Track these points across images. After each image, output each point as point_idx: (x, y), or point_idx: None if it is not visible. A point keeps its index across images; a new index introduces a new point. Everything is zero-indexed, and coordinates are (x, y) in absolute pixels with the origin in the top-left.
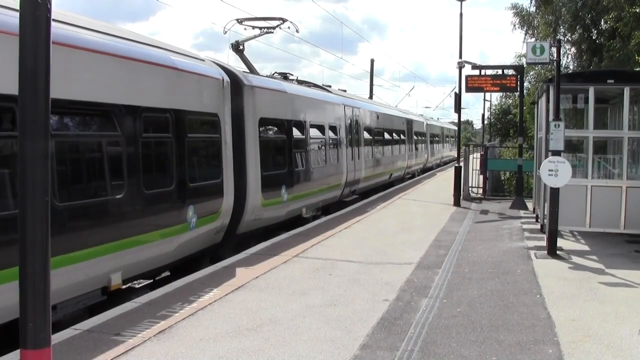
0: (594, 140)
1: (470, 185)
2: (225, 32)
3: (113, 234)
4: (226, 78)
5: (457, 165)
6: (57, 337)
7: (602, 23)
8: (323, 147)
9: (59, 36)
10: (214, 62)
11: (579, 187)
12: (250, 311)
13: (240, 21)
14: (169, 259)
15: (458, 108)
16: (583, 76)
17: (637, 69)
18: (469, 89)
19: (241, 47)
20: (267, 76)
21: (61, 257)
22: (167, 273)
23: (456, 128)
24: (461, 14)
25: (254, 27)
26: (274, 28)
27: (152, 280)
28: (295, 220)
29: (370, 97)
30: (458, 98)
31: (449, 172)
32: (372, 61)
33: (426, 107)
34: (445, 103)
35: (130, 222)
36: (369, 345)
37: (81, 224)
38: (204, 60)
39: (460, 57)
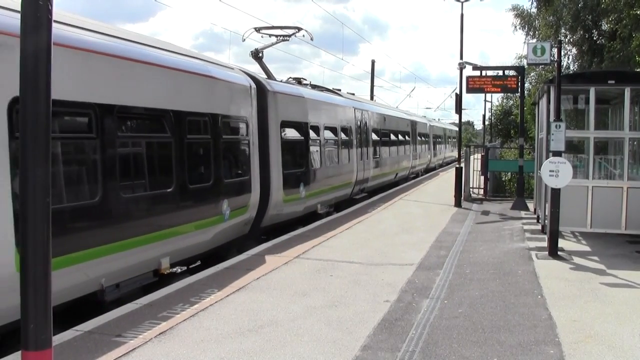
0: (594, 140)
1: (471, 186)
2: (244, 39)
3: (164, 222)
4: (253, 85)
5: (458, 166)
6: (58, 339)
7: (602, 24)
8: (336, 147)
9: (122, 51)
10: (241, 69)
11: (580, 188)
12: (251, 312)
13: (258, 30)
14: (206, 246)
15: (459, 109)
16: (584, 77)
17: (637, 70)
18: (470, 90)
19: (260, 55)
20: (282, 81)
21: (125, 242)
22: (199, 262)
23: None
24: (462, 15)
25: (270, 35)
26: (289, 36)
27: (186, 268)
28: (311, 216)
29: (371, 98)
30: (459, 99)
31: (451, 173)
32: (373, 62)
33: (427, 108)
34: (446, 104)
35: (178, 213)
36: (370, 346)
37: (141, 213)
38: (233, 69)
39: (461, 58)
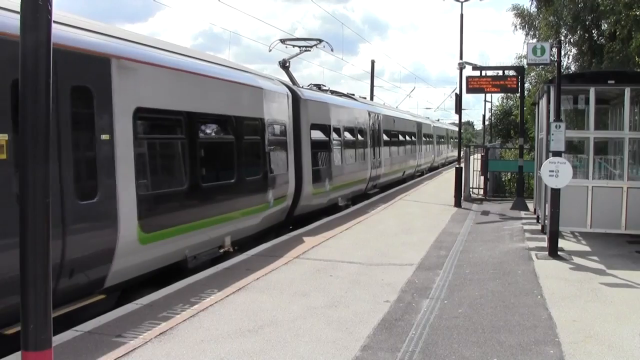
0: (594, 141)
1: (471, 186)
2: (270, 50)
3: (228, 207)
4: (289, 93)
5: (457, 166)
6: (58, 339)
7: (602, 24)
8: (353, 147)
9: (198, 68)
10: (279, 80)
11: (580, 188)
12: (251, 312)
13: (283, 41)
14: (255, 229)
15: (459, 109)
16: (584, 77)
17: (637, 70)
18: (470, 90)
19: (287, 64)
20: (303, 87)
21: (202, 221)
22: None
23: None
24: (462, 15)
25: (294, 46)
26: (311, 47)
27: (232, 249)
28: (332, 208)
29: (371, 98)
30: (459, 99)
31: (451, 173)
32: (373, 62)
33: (427, 108)
34: (445, 104)
35: (237, 199)
36: (370, 346)
37: (213, 199)
38: (272, 80)
39: (461, 58)
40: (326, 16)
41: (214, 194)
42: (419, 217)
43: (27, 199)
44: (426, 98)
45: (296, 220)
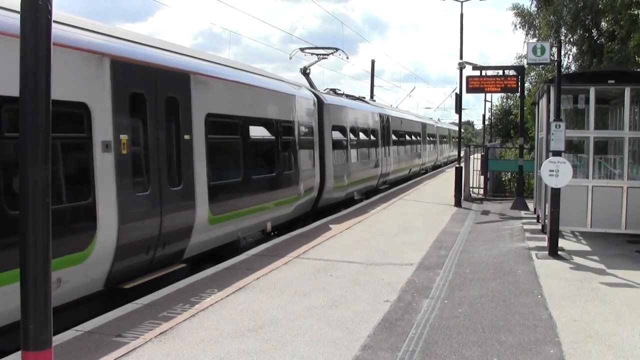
0: (594, 140)
1: (471, 185)
2: (291, 57)
3: (269, 197)
4: (315, 99)
5: (457, 165)
6: (58, 339)
7: (602, 24)
8: (367, 146)
9: (249, 79)
10: (305, 87)
11: (580, 188)
12: (251, 312)
13: (302, 50)
14: (289, 217)
15: (459, 109)
16: (584, 77)
17: (637, 69)
18: (470, 90)
19: (308, 71)
20: (321, 91)
21: (251, 208)
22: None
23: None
24: (462, 15)
25: (312, 54)
26: (328, 55)
27: (253, 239)
28: (349, 201)
29: (371, 98)
30: (459, 99)
31: (451, 172)
32: (373, 62)
33: (427, 108)
34: (445, 104)
35: (277, 190)
36: (370, 346)
37: (259, 190)
38: (300, 86)
39: (461, 58)
40: (326, 16)
41: (261, 185)
42: (419, 217)
43: (27, 200)
44: (426, 98)
45: (318, 211)
